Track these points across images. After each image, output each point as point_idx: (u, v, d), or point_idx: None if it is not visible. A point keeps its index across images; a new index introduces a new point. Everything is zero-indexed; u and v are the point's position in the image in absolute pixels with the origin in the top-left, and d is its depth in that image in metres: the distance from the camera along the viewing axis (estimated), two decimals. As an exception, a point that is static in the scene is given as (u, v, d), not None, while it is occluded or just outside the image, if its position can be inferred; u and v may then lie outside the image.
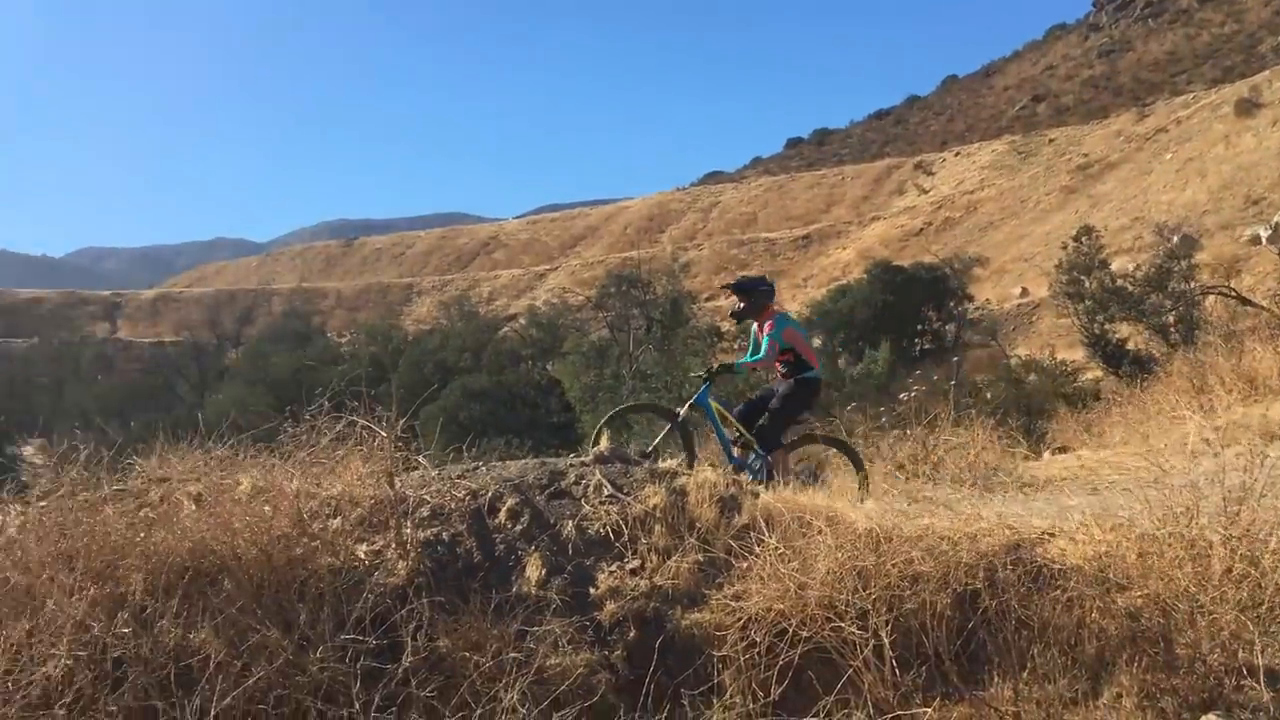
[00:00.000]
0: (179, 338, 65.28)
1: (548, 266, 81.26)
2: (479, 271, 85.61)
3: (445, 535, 5.89)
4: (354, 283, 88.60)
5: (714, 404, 8.02)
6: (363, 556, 5.56)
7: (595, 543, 5.94)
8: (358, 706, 4.56)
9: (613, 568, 5.73)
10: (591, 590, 5.60)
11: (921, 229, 63.81)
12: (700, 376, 8.22)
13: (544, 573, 5.66)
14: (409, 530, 5.73)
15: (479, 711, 4.50)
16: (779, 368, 8.10)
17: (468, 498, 6.19)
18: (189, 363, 56.55)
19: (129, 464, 6.12)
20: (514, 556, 5.81)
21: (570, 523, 6.02)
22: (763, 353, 7.96)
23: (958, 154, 77.16)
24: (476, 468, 6.70)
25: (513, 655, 4.94)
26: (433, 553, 5.73)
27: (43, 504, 5.59)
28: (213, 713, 4.29)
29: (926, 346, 37.25)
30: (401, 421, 6.40)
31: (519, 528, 6.00)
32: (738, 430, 8.02)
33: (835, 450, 8.81)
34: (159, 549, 5.14)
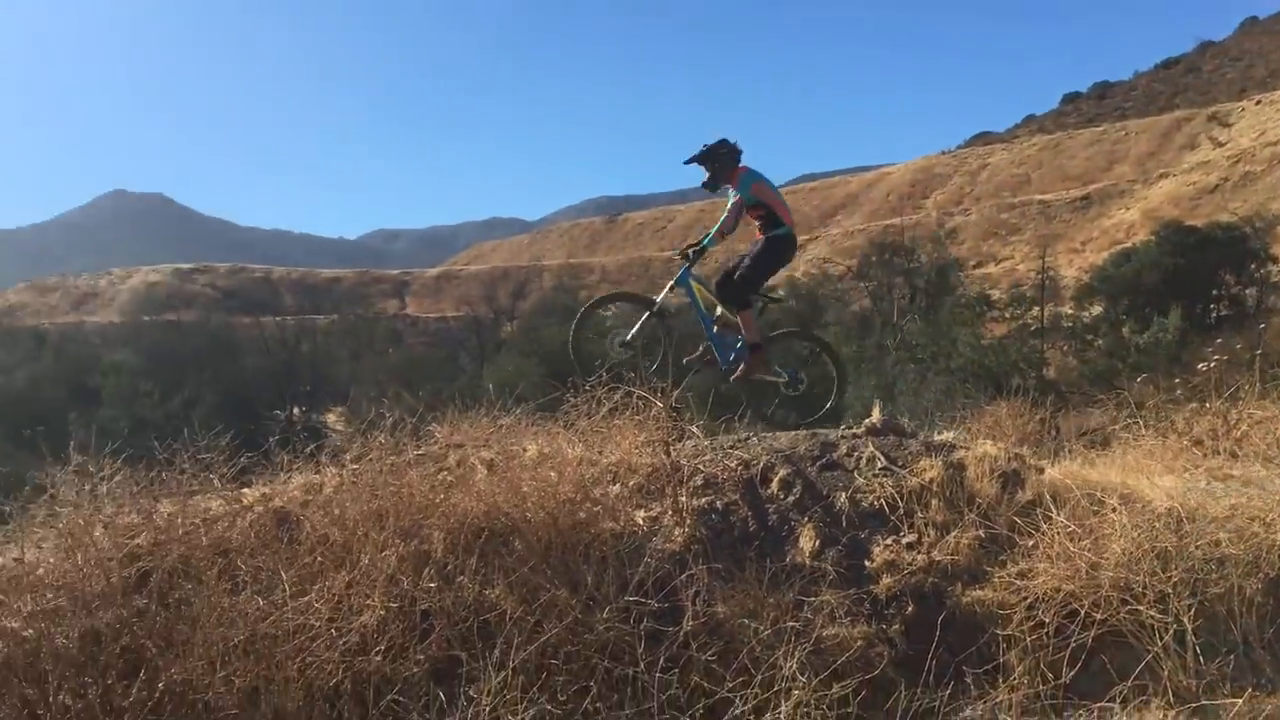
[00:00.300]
0: (460, 313, 69.39)
1: (807, 237, 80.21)
2: (738, 243, 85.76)
3: (719, 504, 6.00)
4: (617, 257, 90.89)
5: (694, 283, 7.82)
6: (641, 522, 5.75)
7: (869, 515, 5.89)
8: (642, 666, 4.73)
9: (888, 541, 5.67)
10: (866, 563, 5.56)
11: (1217, 186, 58.70)
12: (678, 259, 7.96)
13: (818, 544, 5.67)
14: (684, 498, 5.89)
15: (759, 678, 4.56)
16: (754, 223, 7.78)
17: (740, 468, 6.28)
18: (469, 336, 59.97)
19: (426, 431, 6.59)
20: (787, 527, 5.85)
21: (843, 494, 6.00)
22: (724, 215, 7.64)
23: (1259, 103, 70.02)
24: (747, 438, 6.78)
25: (790, 624, 4.99)
26: (707, 520, 5.85)
27: (354, 467, 6.07)
28: (510, 665, 4.55)
29: (1223, 313, 34.29)
30: (675, 393, 6.59)
31: (791, 498, 6.03)
32: (719, 309, 7.83)
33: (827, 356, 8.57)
34: (457, 510, 5.50)
